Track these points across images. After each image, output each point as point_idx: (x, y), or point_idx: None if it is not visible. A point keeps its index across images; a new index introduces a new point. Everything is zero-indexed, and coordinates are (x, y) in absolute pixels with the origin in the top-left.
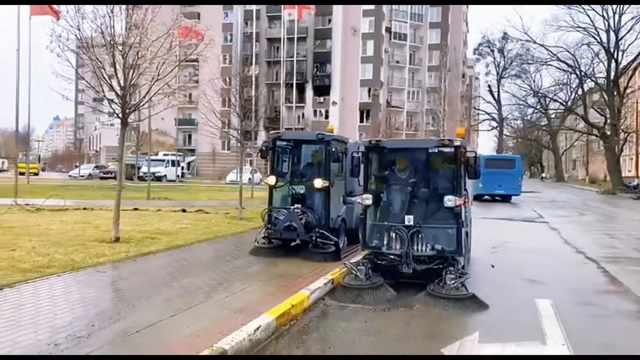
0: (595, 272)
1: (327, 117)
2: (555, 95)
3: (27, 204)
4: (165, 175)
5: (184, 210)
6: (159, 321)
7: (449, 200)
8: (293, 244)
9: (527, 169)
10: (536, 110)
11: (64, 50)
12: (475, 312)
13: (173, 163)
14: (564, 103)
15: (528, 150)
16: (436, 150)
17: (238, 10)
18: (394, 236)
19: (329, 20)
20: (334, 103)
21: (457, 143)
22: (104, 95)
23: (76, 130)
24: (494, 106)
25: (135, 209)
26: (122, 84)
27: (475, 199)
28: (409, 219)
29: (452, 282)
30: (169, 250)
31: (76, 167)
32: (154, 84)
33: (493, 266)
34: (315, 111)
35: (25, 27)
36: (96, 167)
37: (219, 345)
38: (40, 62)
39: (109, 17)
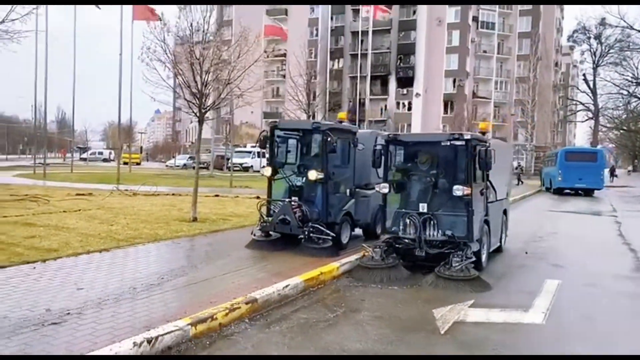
0: (628, 262)
1: (409, 108)
2: None
3: (125, 190)
4: (251, 166)
5: (258, 197)
6: (213, 277)
7: (457, 190)
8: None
9: (631, 162)
10: (637, 100)
11: (152, 60)
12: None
13: (259, 154)
14: None
15: (631, 142)
16: (448, 144)
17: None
18: (408, 222)
19: (414, 12)
20: (418, 95)
21: (467, 137)
22: (185, 98)
23: (174, 123)
24: (589, 96)
25: (216, 196)
26: (198, 88)
27: (555, 193)
28: (423, 207)
29: (457, 264)
30: (236, 229)
31: (173, 157)
32: (224, 88)
33: (527, 252)
34: (398, 103)
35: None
36: (190, 157)
37: (252, 295)
38: (141, 63)
39: (190, 31)
